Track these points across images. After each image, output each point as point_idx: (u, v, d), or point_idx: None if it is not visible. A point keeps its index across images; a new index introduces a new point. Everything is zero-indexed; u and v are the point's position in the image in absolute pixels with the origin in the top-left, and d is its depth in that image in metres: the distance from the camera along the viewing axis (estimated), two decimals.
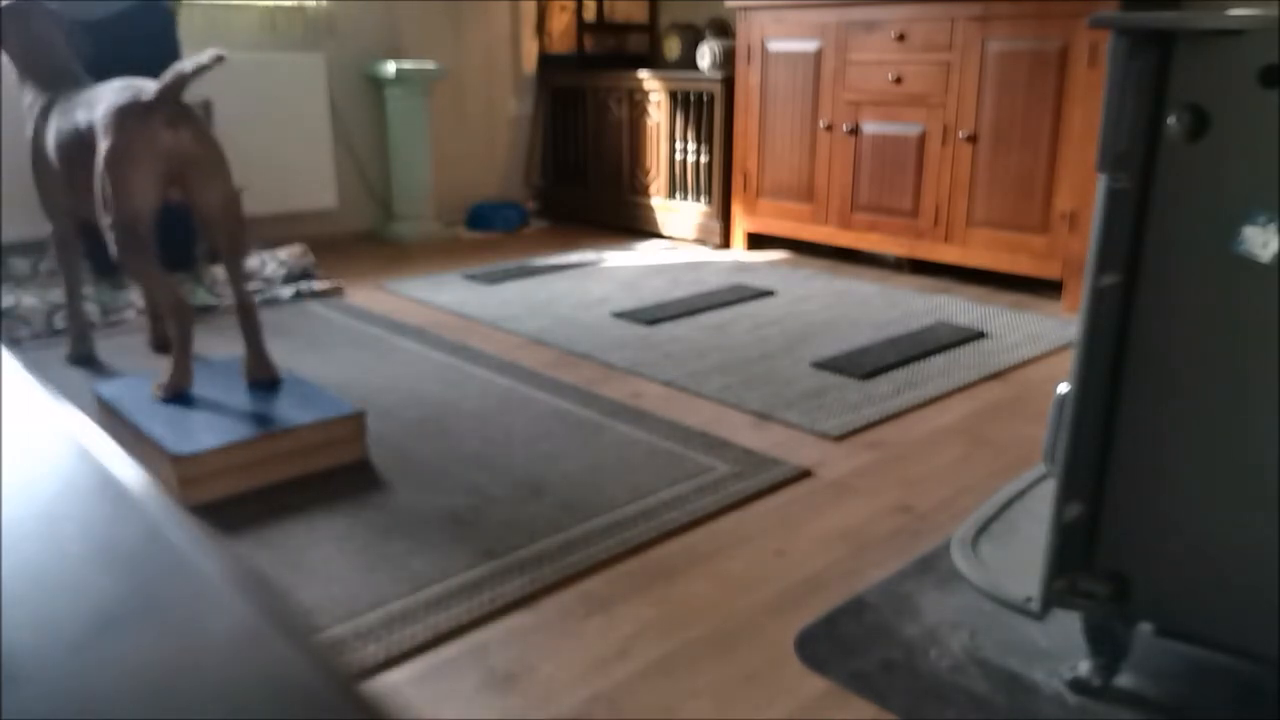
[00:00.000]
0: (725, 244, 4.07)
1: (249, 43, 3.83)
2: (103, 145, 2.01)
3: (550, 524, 1.69)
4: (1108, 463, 1.18)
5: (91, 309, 2.89)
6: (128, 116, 2.00)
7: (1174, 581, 1.16)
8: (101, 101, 2.08)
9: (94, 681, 0.23)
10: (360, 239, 4.26)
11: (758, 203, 3.93)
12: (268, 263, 3.33)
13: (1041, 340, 2.77)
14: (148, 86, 2.03)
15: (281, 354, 2.58)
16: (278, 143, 3.82)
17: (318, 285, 3.32)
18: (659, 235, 4.32)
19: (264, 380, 2.09)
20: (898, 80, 3.39)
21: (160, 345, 2.62)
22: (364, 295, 3.30)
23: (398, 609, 1.44)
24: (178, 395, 1.99)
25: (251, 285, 3.23)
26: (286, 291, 3.23)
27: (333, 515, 1.73)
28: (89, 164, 2.07)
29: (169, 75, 1.98)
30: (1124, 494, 1.17)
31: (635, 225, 4.38)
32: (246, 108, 3.67)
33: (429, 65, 4.10)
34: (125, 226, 1.99)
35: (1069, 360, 1.33)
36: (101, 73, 2.44)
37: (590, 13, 4.67)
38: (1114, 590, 1.19)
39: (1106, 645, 1.25)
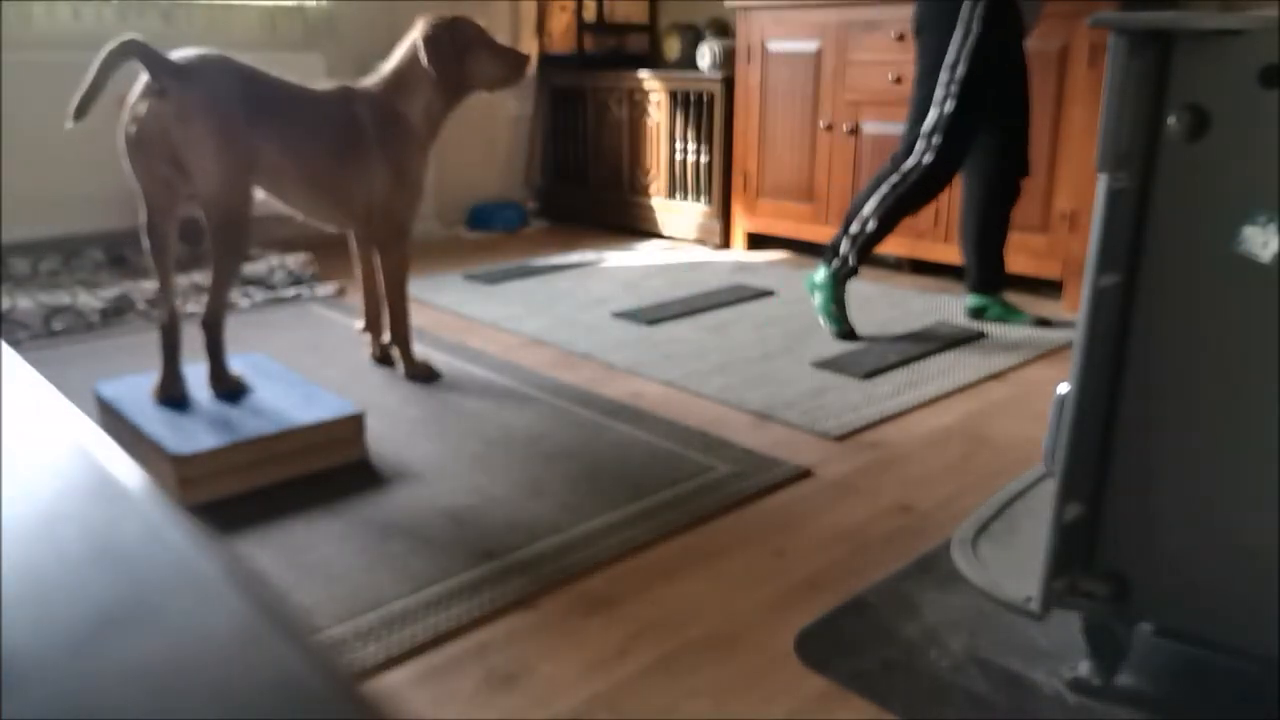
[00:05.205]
0: (725, 244, 4.07)
1: (249, 43, 3.83)
2: None
3: (550, 524, 1.69)
4: (1108, 463, 1.18)
5: (93, 306, 2.89)
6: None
7: (1174, 581, 1.16)
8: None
9: (94, 681, 0.23)
10: None
11: (758, 203, 3.93)
12: (276, 271, 3.32)
13: (1041, 340, 2.77)
14: (148, 52, 1.84)
15: (283, 354, 2.58)
16: None
17: (319, 287, 3.32)
18: (659, 235, 4.32)
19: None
20: (898, 80, 3.39)
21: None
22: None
23: (398, 609, 1.44)
24: (170, 402, 1.97)
25: (253, 289, 3.23)
26: (288, 292, 3.23)
27: (333, 515, 1.73)
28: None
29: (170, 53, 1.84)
30: (1124, 494, 1.17)
31: (635, 225, 4.38)
32: None
33: None
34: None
35: (1069, 360, 1.33)
36: None
37: (590, 13, 4.67)
38: (1114, 590, 1.19)
39: (1106, 645, 1.25)
